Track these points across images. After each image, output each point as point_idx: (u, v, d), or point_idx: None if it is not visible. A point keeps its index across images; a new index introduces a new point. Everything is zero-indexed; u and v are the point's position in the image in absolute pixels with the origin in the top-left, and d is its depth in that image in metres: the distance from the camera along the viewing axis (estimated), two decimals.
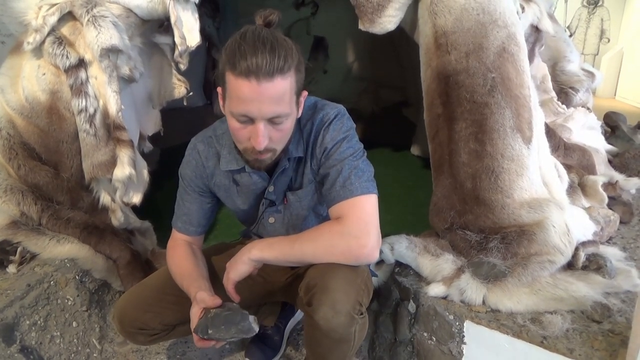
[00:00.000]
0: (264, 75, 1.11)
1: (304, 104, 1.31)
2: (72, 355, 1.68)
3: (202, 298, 1.26)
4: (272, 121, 1.18)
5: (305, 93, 1.29)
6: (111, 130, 1.79)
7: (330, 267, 1.24)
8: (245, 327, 1.19)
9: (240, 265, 1.30)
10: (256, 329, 1.20)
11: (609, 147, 2.56)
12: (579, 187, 1.96)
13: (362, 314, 1.24)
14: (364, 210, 1.25)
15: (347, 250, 1.23)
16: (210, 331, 1.19)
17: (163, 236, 2.10)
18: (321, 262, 1.26)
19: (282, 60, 1.13)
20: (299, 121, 1.31)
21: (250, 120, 1.17)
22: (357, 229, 1.23)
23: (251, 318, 1.21)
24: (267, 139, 1.19)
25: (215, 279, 1.40)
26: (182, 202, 1.47)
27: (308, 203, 1.41)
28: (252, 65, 1.10)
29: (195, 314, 1.26)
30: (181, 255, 1.44)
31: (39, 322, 1.61)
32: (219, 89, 1.26)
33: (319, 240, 1.26)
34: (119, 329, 1.46)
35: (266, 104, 1.15)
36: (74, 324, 1.73)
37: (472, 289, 1.49)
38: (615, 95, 7.45)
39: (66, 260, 1.78)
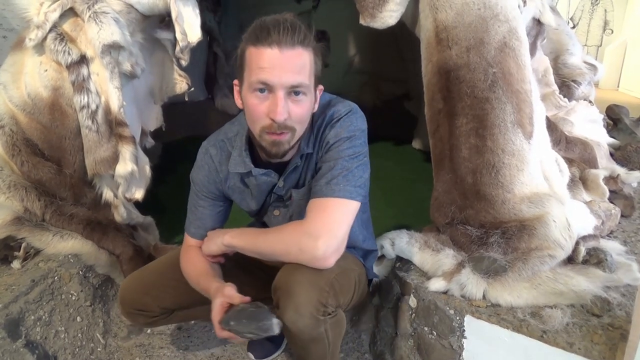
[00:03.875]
0: (286, 44, 1.14)
1: (319, 101, 1.30)
2: (77, 349, 1.70)
3: (230, 294, 1.25)
4: (292, 94, 1.17)
5: (321, 88, 1.29)
6: (113, 126, 1.80)
7: (294, 268, 1.23)
8: (266, 326, 1.18)
9: (213, 245, 1.38)
10: (277, 330, 1.18)
11: (611, 140, 2.55)
12: (580, 180, 1.96)
13: (329, 314, 1.22)
14: (333, 213, 1.23)
15: (299, 251, 1.21)
16: (232, 323, 1.19)
17: (165, 231, 2.12)
18: (281, 259, 1.26)
19: (302, 35, 1.16)
20: (312, 117, 1.30)
21: (269, 91, 1.16)
22: (317, 230, 1.21)
23: (275, 320, 1.19)
24: (287, 112, 1.17)
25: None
26: (194, 207, 1.46)
27: (308, 198, 1.39)
28: (275, 35, 1.13)
29: (219, 304, 1.24)
30: (195, 257, 1.44)
31: (43, 317, 1.63)
32: (235, 82, 1.26)
33: (279, 236, 1.27)
34: (121, 309, 1.51)
35: (287, 71, 1.15)
36: (78, 318, 1.74)
37: (473, 284, 1.49)
38: (618, 86, 7.42)
39: (70, 256, 1.79)
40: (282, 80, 1.15)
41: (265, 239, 1.29)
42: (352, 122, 1.29)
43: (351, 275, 1.38)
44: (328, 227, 1.21)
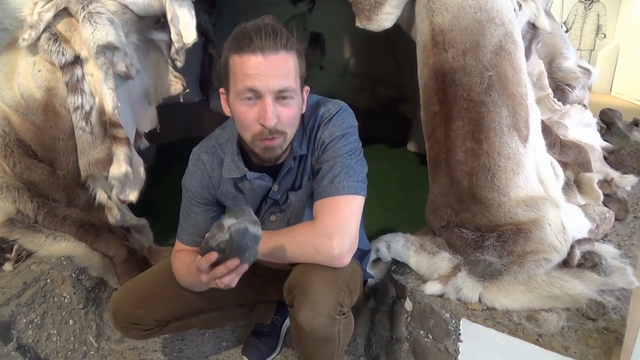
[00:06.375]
0: (270, 49, 1.13)
1: (307, 102, 1.30)
2: (69, 353, 1.68)
3: None
4: (280, 98, 1.17)
5: (307, 89, 1.30)
6: (107, 127, 1.78)
7: (310, 267, 1.23)
8: (246, 217, 1.09)
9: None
10: (258, 233, 1.09)
11: (605, 144, 2.57)
12: (574, 184, 1.97)
13: (344, 314, 1.23)
14: (343, 211, 1.24)
15: (315, 251, 1.22)
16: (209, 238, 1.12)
17: (159, 233, 2.10)
18: (296, 260, 1.26)
19: (285, 39, 1.16)
20: (302, 118, 1.30)
21: (257, 97, 1.16)
22: (331, 229, 1.22)
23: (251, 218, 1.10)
24: (276, 117, 1.17)
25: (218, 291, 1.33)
26: (187, 214, 1.44)
27: (306, 200, 1.41)
28: (258, 41, 1.13)
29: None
30: (187, 256, 1.40)
31: (35, 320, 1.61)
32: (221, 90, 1.26)
33: (293, 237, 1.26)
34: (114, 323, 1.46)
35: (273, 77, 1.15)
36: (71, 321, 1.73)
37: (468, 287, 1.49)
38: (610, 90, 7.48)
39: (62, 258, 1.77)
40: (269, 85, 1.15)
41: (278, 241, 1.27)
42: (344, 119, 1.30)
43: (359, 276, 1.40)
44: (340, 226, 1.22)
